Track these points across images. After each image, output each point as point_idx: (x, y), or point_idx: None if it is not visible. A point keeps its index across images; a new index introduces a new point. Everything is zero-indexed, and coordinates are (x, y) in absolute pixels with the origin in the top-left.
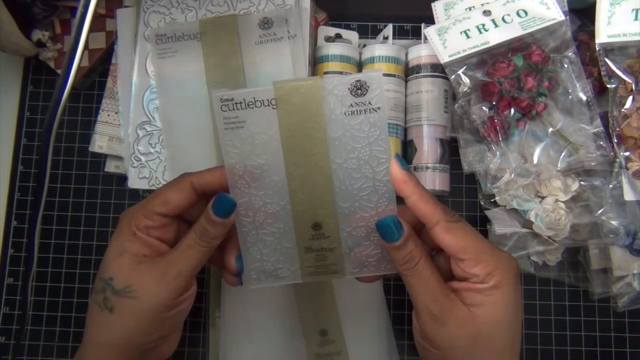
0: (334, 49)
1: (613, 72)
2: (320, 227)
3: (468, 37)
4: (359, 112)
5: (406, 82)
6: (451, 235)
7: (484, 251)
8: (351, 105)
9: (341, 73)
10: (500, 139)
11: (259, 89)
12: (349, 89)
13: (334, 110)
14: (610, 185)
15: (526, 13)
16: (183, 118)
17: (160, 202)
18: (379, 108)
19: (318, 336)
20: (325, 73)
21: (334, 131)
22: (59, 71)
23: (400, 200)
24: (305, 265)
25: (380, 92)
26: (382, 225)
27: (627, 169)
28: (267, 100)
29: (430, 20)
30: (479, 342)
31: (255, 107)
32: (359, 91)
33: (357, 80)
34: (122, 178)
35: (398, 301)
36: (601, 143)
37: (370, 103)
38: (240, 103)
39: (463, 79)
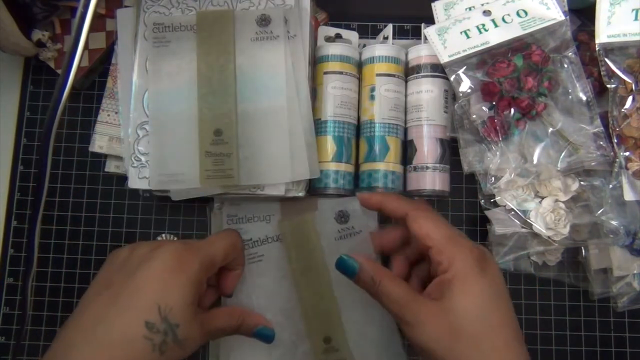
0: (334, 49)
1: (613, 72)
2: (221, 133)
3: (468, 37)
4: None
5: (406, 82)
6: (418, 224)
7: (447, 240)
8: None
9: (341, 73)
10: (500, 139)
11: (186, 16)
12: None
13: (243, 35)
14: (610, 185)
15: (526, 13)
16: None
17: (223, 256)
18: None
19: (322, 343)
20: (325, 73)
21: (242, 60)
22: (59, 71)
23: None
24: (203, 169)
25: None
26: (340, 266)
27: (627, 169)
28: (190, 25)
29: (430, 20)
30: (456, 336)
31: (180, 31)
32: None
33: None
34: (122, 178)
35: None
36: (601, 143)
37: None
38: (169, 27)
39: (463, 79)
